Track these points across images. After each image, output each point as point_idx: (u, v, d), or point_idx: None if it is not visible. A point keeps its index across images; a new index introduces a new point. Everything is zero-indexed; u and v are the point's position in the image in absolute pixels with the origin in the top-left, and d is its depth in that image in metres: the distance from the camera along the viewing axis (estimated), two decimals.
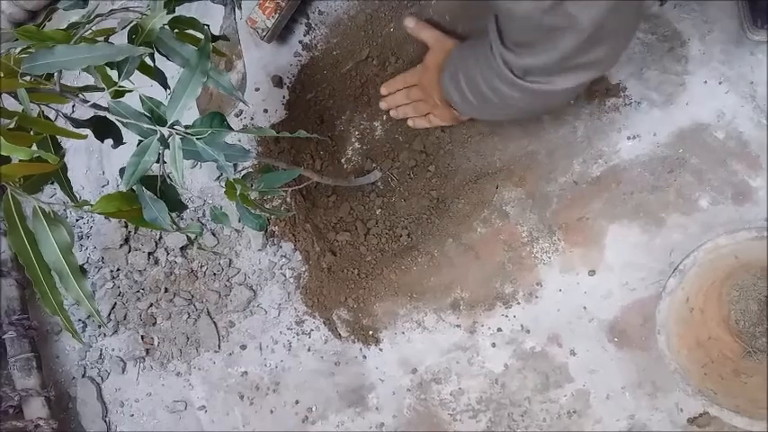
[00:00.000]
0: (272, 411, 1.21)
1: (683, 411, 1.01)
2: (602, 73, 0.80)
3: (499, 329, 1.10)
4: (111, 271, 1.31)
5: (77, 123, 0.76)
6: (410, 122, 1.13)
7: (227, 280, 1.25)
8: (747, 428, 0.86)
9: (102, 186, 1.34)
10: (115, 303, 1.31)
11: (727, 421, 0.87)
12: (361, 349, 1.17)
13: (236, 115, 1.23)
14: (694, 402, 0.93)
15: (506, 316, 1.10)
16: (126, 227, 1.30)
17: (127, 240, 1.30)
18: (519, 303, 1.09)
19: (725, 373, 0.92)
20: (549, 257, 1.08)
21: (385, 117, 1.17)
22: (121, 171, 0.74)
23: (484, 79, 0.86)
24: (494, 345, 1.10)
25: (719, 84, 1.00)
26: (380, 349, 1.16)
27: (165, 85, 0.80)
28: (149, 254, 1.29)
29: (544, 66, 0.75)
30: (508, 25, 0.75)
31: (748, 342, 0.95)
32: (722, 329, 0.96)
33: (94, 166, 1.34)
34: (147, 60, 0.78)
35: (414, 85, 1.10)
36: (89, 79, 0.72)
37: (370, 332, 1.17)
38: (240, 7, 0.96)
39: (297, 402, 1.20)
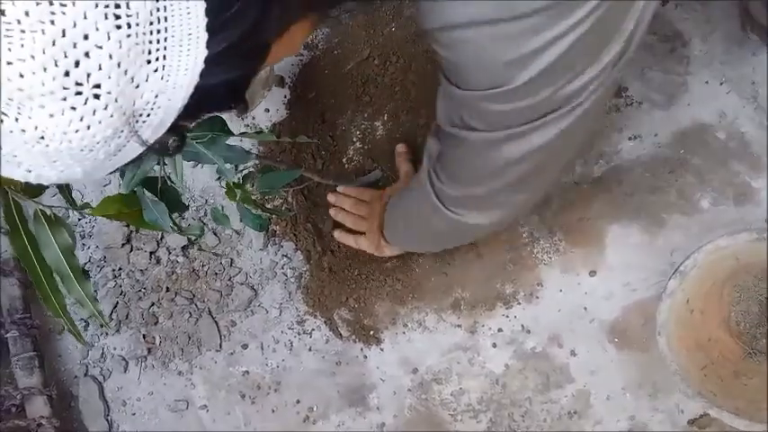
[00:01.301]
0: (273, 411, 1.22)
1: (684, 412, 1.02)
2: (515, 217, 0.88)
3: (500, 330, 1.10)
4: (113, 270, 1.32)
5: None
6: (336, 234, 1.15)
7: (229, 279, 1.25)
8: (747, 430, 0.86)
9: (104, 186, 1.33)
10: (117, 302, 1.31)
11: (727, 423, 0.87)
12: (362, 349, 1.18)
13: (238, 115, 1.23)
14: (694, 404, 0.93)
15: (507, 316, 1.10)
16: (128, 226, 1.30)
17: (129, 240, 1.30)
18: (520, 303, 1.10)
19: (725, 374, 0.93)
20: (550, 258, 1.08)
21: (386, 116, 1.17)
22: (122, 173, 0.74)
23: (418, 208, 0.89)
24: (494, 345, 1.11)
25: (721, 84, 1.00)
26: (381, 349, 1.17)
27: None
28: (151, 253, 1.29)
29: (466, 198, 0.79)
30: (451, 153, 0.77)
31: (749, 344, 0.95)
32: (723, 331, 0.96)
33: None
34: None
35: (364, 201, 1.12)
36: None
37: (371, 332, 1.17)
38: None
39: (298, 402, 1.21)
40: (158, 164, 0.76)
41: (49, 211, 0.70)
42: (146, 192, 0.77)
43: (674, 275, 0.90)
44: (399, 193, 1.00)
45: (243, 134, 0.82)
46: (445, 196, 0.80)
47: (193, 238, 1.25)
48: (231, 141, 0.80)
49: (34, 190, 0.71)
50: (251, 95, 0.95)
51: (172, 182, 0.80)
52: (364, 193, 1.13)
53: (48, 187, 0.74)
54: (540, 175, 0.74)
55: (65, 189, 0.76)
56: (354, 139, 1.19)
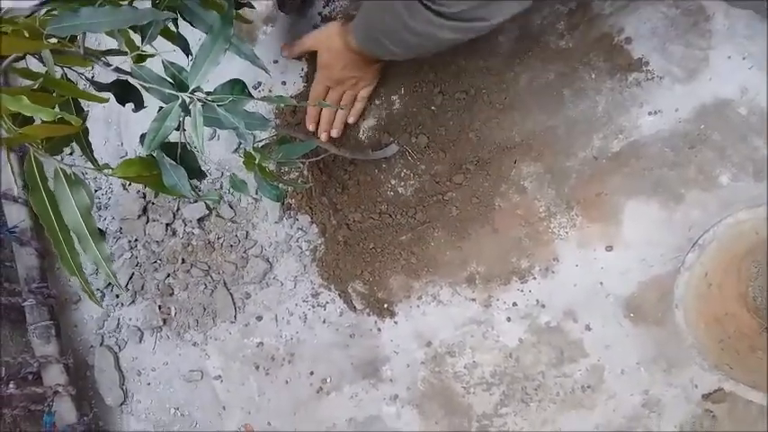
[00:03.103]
0: (287, 382, 1.22)
1: (698, 387, 1.01)
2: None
3: (514, 304, 1.10)
4: (130, 241, 1.32)
5: (100, 86, 0.76)
6: (351, 119, 1.16)
7: (244, 252, 1.26)
8: (763, 403, 0.86)
9: (121, 157, 1.34)
10: (133, 273, 1.32)
11: (742, 395, 0.87)
12: (375, 322, 1.18)
13: (254, 87, 1.23)
14: (710, 378, 0.93)
15: (522, 291, 1.10)
16: (144, 198, 1.31)
17: (145, 211, 1.31)
18: (535, 278, 1.09)
19: (741, 348, 0.92)
20: (567, 233, 1.07)
21: (403, 90, 1.16)
22: (142, 138, 0.74)
23: (410, 31, 0.88)
24: (509, 319, 1.11)
25: (743, 59, 0.99)
26: (395, 322, 1.17)
27: (187, 52, 0.80)
28: (167, 225, 1.30)
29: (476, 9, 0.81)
30: None
31: (766, 318, 0.95)
32: (740, 305, 0.95)
33: (113, 138, 1.35)
34: (171, 26, 0.78)
35: (326, 92, 1.12)
36: (112, 43, 0.73)
37: (386, 305, 1.17)
38: None
39: (312, 373, 1.21)
40: (178, 129, 0.76)
41: (69, 170, 0.71)
42: (165, 156, 0.77)
43: (692, 249, 0.90)
44: (364, 26, 0.98)
45: (264, 98, 0.81)
46: (452, 14, 0.82)
47: (211, 205, 1.25)
48: (250, 110, 0.80)
49: (55, 148, 0.71)
50: None
51: (191, 147, 0.80)
52: (317, 92, 1.12)
53: (68, 145, 0.75)
54: None
55: (87, 149, 0.76)
56: (371, 113, 1.19)
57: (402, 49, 0.95)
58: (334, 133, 1.17)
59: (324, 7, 1.20)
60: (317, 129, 1.17)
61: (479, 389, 1.12)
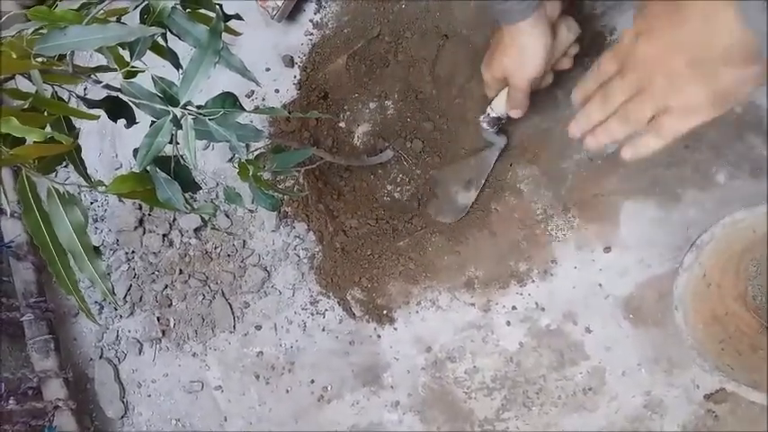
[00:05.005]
0: (287, 391, 1.22)
1: (700, 387, 1.01)
2: None
3: (514, 307, 1.10)
4: (127, 253, 1.32)
5: (90, 104, 0.76)
6: (627, 154, 0.72)
7: (242, 261, 1.25)
8: (765, 403, 0.86)
9: (116, 169, 1.34)
10: (131, 285, 1.31)
11: (744, 396, 0.86)
12: (375, 329, 1.18)
13: (247, 96, 1.23)
14: (711, 378, 0.92)
15: (521, 294, 1.10)
16: (140, 209, 1.30)
17: (141, 222, 1.31)
18: (533, 281, 1.09)
19: (742, 348, 0.92)
20: (564, 235, 1.07)
21: (397, 95, 1.16)
22: (135, 152, 0.74)
23: None
24: (508, 323, 1.10)
25: None
26: (395, 328, 1.16)
27: (177, 66, 0.80)
28: (164, 236, 1.29)
29: None
30: None
31: (766, 317, 0.94)
32: (739, 305, 0.95)
33: (107, 149, 1.34)
34: (160, 40, 0.77)
35: (615, 74, 0.71)
36: (102, 60, 0.72)
37: (385, 311, 1.17)
38: None
39: (312, 382, 1.21)
40: (171, 143, 0.75)
41: (62, 189, 0.70)
42: (158, 170, 0.77)
43: (690, 250, 0.89)
44: None
45: (256, 110, 0.81)
46: None
47: (206, 218, 1.25)
48: (242, 121, 0.79)
49: (47, 167, 0.71)
50: None
51: (184, 161, 0.80)
52: (605, 67, 0.71)
53: (61, 163, 0.75)
54: None
55: (79, 166, 0.75)
56: (365, 119, 1.19)
57: None
58: (591, 143, 0.76)
59: (315, 14, 1.19)
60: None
61: (480, 394, 1.12)
